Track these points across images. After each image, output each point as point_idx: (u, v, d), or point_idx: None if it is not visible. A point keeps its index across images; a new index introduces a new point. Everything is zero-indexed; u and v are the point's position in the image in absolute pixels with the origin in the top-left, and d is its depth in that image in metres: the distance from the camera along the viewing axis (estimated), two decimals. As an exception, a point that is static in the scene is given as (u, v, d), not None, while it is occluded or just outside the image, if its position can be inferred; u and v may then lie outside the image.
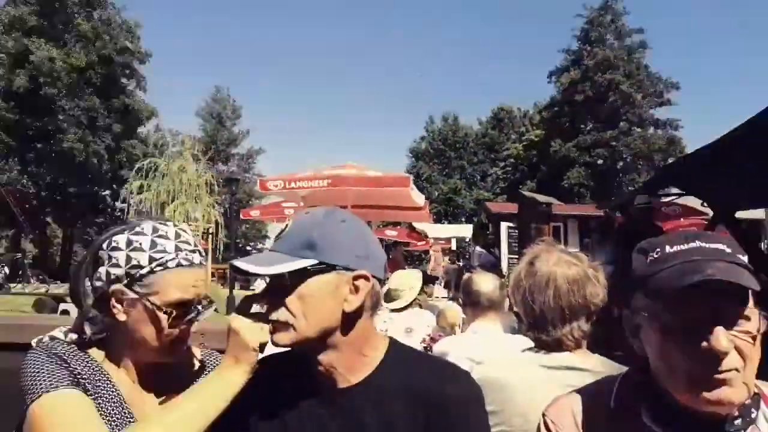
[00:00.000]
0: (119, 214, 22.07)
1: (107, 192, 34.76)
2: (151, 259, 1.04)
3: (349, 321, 1.02)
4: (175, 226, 1.11)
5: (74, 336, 1.08)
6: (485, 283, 2.65)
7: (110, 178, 32.97)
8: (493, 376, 1.47)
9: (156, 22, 69.77)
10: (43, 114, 29.26)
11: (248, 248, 43.54)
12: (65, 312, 11.92)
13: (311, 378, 1.06)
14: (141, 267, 1.04)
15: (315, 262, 0.99)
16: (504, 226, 15.90)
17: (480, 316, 2.63)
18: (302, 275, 0.98)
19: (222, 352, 1.13)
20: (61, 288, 15.40)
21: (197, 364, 1.20)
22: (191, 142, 18.34)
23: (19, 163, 28.55)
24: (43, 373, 0.99)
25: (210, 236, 16.41)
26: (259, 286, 11.68)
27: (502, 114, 46.26)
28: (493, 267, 9.16)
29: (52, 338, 1.08)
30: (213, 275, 19.07)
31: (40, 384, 0.97)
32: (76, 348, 1.07)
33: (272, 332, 1.01)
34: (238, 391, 1.01)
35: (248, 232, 47.97)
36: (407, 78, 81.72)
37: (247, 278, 20.90)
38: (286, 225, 1.06)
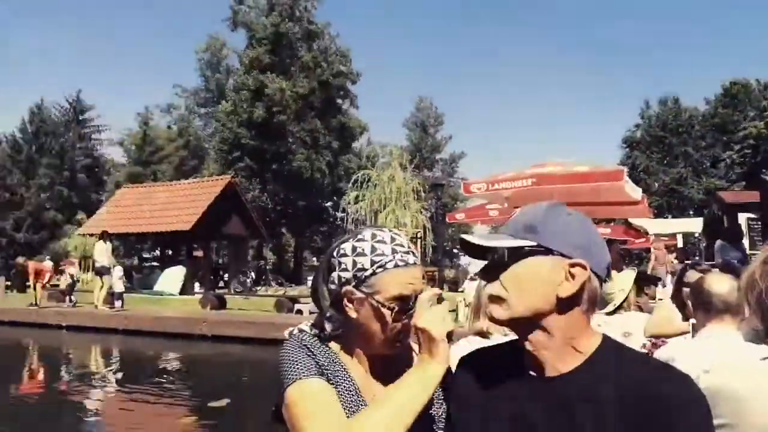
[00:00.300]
0: (339, 223, 24.22)
1: (329, 203, 38.40)
2: (372, 262, 1.16)
3: (562, 307, 1.02)
4: (390, 231, 1.22)
5: (316, 331, 1.24)
6: (719, 283, 2.35)
7: (331, 190, 36.42)
8: (725, 385, 1.31)
9: (362, 42, 75.13)
10: (276, 138, 33.59)
11: (455, 251, 44.39)
12: (299, 312, 13.51)
13: (518, 365, 1.08)
14: (365, 270, 1.16)
15: (533, 243, 1.03)
16: (743, 217, 13.98)
17: (712, 321, 2.33)
18: (520, 254, 1.03)
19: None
20: (295, 290, 17.47)
21: (416, 357, 1.27)
22: (398, 151, 19.43)
23: (260, 182, 33.10)
24: (297, 361, 1.16)
25: (418, 240, 17.17)
26: (469, 288, 11.78)
27: (735, 89, 40.06)
28: (741, 264, 7.77)
29: (301, 330, 1.25)
30: (423, 278, 19.90)
31: (295, 371, 1.14)
32: (318, 340, 1.23)
33: (489, 306, 1.07)
34: (438, 382, 1.09)
35: (454, 235, 48.92)
36: (613, 66, 75.70)
37: (455, 280, 21.42)
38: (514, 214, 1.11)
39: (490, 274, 1.08)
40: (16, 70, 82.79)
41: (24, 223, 40.70)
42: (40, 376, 9.82)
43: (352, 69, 36.33)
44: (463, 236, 1.09)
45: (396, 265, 1.15)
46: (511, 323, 1.06)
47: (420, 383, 1.09)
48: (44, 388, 8.73)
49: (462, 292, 12.17)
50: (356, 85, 37.42)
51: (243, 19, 35.27)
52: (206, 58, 43.79)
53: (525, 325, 1.05)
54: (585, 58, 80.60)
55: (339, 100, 37.38)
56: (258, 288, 19.38)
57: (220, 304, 14.98)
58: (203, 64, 43.96)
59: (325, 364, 1.17)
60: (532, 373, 1.06)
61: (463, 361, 1.18)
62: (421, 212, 16.99)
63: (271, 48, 33.98)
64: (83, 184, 44.19)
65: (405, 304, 1.15)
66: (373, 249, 1.17)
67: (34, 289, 15.93)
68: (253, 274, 21.23)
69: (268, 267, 23.99)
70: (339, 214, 32.18)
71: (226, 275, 22.11)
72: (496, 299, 1.05)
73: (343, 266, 1.18)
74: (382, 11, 78.38)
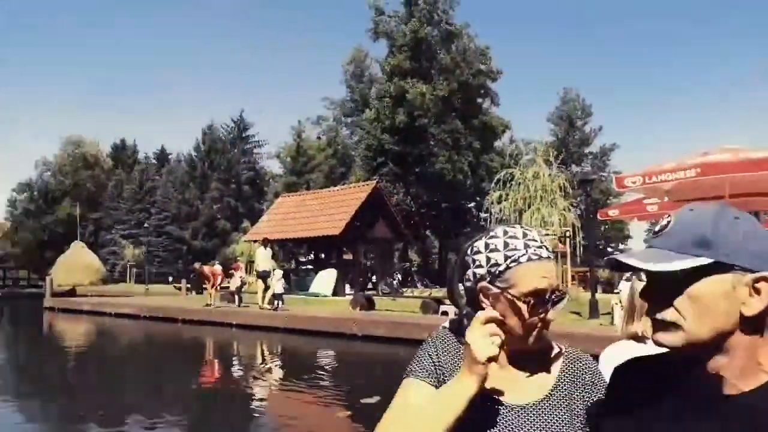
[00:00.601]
0: (483, 223, 23.90)
1: (472, 204, 38.10)
2: (506, 257, 1.16)
3: (746, 325, 0.93)
4: (522, 227, 1.21)
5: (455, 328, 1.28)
6: None
7: (474, 191, 36.12)
8: None
9: (501, 39, 73.61)
10: (418, 142, 34.13)
11: (609, 250, 41.57)
12: (444, 313, 13.57)
13: (690, 381, 0.98)
14: (498, 265, 1.17)
15: (711, 261, 0.93)
16: None
17: None
18: (694, 274, 0.93)
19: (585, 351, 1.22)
20: (440, 291, 17.58)
21: (556, 350, 1.25)
22: (543, 147, 18.68)
23: (403, 186, 33.84)
24: (417, 360, 1.23)
25: (567, 240, 16.32)
26: (624, 289, 10.95)
27: None
28: None
29: (444, 327, 1.31)
30: (573, 278, 18.88)
31: (411, 367, 1.22)
32: (453, 337, 1.25)
33: (655, 331, 0.98)
34: (468, 399, 1.08)
35: (608, 233, 45.86)
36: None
37: (609, 281, 20.03)
38: (667, 221, 1.01)
39: (654, 296, 0.98)
40: (189, 97, 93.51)
41: (199, 232, 45.83)
42: (214, 369, 10.93)
43: (491, 67, 35.78)
44: (616, 257, 1.00)
45: (529, 259, 1.15)
46: (686, 348, 0.96)
47: (452, 396, 1.10)
48: (217, 379, 9.70)
49: (617, 293, 11.34)
50: (497, 83, 36.79)
51: (384, 29, 36.37)
52: (351, 69, 45.86)
53: (702, 347, 0.95)
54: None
55: (479, 100, 36.99)
56: (404, 289, 19.78)
57: (369, 305, 15.53)
58: (348, 76, 46.10)
59: (447, 361, 1.21)
60: (703, 389, 0.96)
61: (619, 371, 1.11)
62: (570, 210, 16.13)
63: (410, 54, 34.63)
64: (247, 195, 48.64)
65: (540, 297, 1.13)
66: (506, 244, 1.17)
67: (211, 290, 17.88)
68: (399, 275, 21.72)
69: (413, 269, 24.37)
70: (482, 215, 31.85)
71: (374, 277, 22.88)
72: (669, 325, 0.95)
73: (477, 263, 1.19)
74: (519, 5, 76.21)
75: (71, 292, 28.77)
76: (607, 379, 1.14)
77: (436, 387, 1.17)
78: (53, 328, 19.02)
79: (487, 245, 1.19)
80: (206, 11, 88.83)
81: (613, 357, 2.17)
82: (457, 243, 39.96)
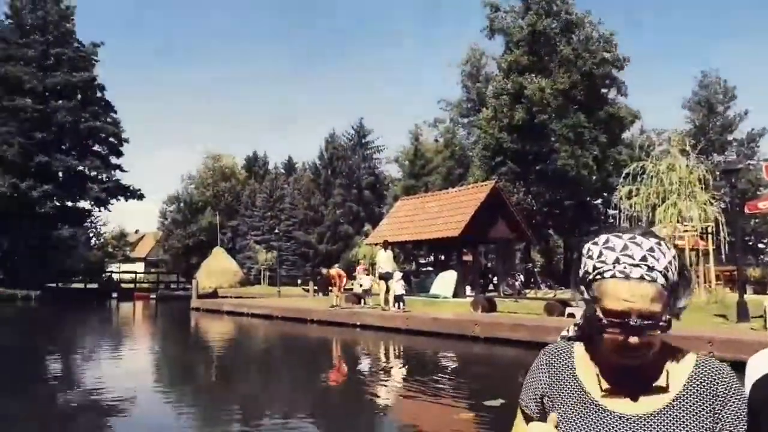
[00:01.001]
0: (612, 221, 22.54)
1: (598, 201, 36.10)
2: (594, 268, 1.12)
3: None
4: (631, 238, 1.12)
5: (573, 332, 1.26)
6: None
7: (600, 187, 34.20)
8: None
9: (627, 24, 68.94)
10: (538, 139, 33.04)
11: (761, 246, 37.23)
12: (571, 315, 12.97)
13: None
14: (588, 273, 1.13)
15: None
16: None
17: None
18: None
19: (726, 361, 1.14)
20: (566, 293, 16.86)
21: (686, 358, 1.16)
22: (678, 137, 17.21)
23: (524, 185, 32.91)
24: (526, 382, 1.25)
25: (709, 236, 14.88)
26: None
27: None
28: None
29: (562, 336, 1.29)
30: (718, 278, 17.14)
31: (523, 391, 1.25)
32: (568, 344, 1.23)
33: None
34: None
35: (758, 227, 41.15)
36: None
37: (761, 280, 17.89)
38: None
39: None
40: (312, 108, 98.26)
41: (324, 236, 47.95)
42: (341, 367, 11.36)
43: (617, 55, 33.73)
44: None
45: (613, 276, 1.08)
46: None
47: None
48: (343, 377, 10.08)
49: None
50: (623, 72, 34.59)
51: (499, 26, 35.70)
52: (467, 70, 45.54)
53: None
54: None
55: (604, 90, 35.03)
56: (527, 291, 19.22)
57: (490, 306, 15.29)
58: (464, 76, 45.81)
59: (554, 374, 1.20)
60: None
61: (759, 384, 1.06)
62: (711, 203, 14.71)
63: (528, 48, 33.66)
64: (368, 199, 50.07)
65: (620, 319, 1.05)
66: (600, 254, 1.11)
67: (336, 292, 18.66)
68: (521, 276, 21.15)
69: (536, 269, 23.60)
70: (611, 212, 30.08)
71: (495, 278, 22.49)
72: None
73: (581, 264, 1.17)
74: (649, -15, 70.93)
75: (213, 294, 31.40)
76: (747, 392, 1.06)
77: (539, 413, 1.19)
78: (199, 326, 20.90)
79: (588, 250, 1.15)
80: (325, 27, 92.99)
81: (759, 367, 1.96)
82: (582, 242, 38.00)
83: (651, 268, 1.07)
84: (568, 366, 1.19)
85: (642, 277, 1.07)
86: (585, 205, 35.17)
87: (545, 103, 31.96)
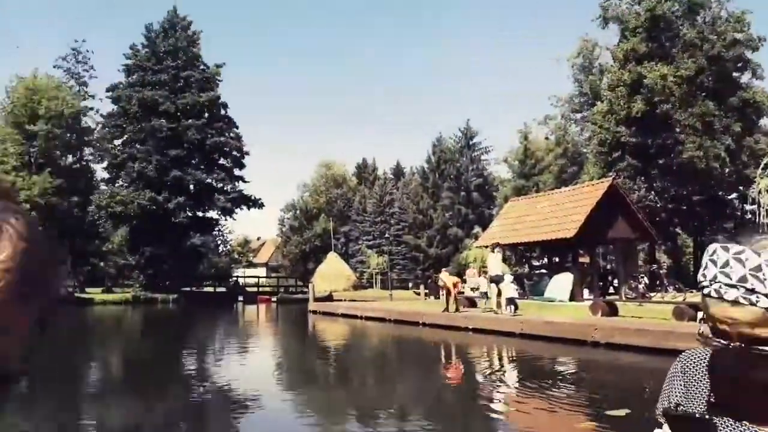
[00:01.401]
0: (750, 216, 20.47)
1: (733, 195, 32.96)
2: (698, 281, 1.06)
3: None
4: (737, 253, 1.00)
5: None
6: None
7: (735, 180, 31.20)
8: None
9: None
10: (660, 131, 30.82)
11: None
12: (703, 320, 11.93)
13: None
14: (699, 282, 1.07)
15: None
16: None
17: None
18: None
19: None
20: (697, 296, 15.52)
21: None
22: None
23: (645, 181, 30.83)
24: (666, 391, 1.18)
25: None
26: None
27: None
28: None
29: (700, 334, 1.24)
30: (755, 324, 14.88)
31: (661, 400, 1.18)
32: (705, 351, 1.15)
33: None
34: None
35: None
36: None
37: None
38: None
39: None
40: (420, 111, 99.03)
41: (434, 240, 48.03)
42: (455, 371, 11.31)
43: (751, 35, 30.65)
44: None
45: (708, 294, 1.01)
46: None
47: None
48: (458, 381, 10.03)
49: None
50: (758, 53, 31.38)
51: (613, 14, 33.85)
52: (578, 62, 43.59)
53: None
54: None
55: (736, 74, 31.96)
56: (652, 294, 17.96)
57: (612, 310, 14.49)
58: (576, 69, 43.88)
59: (689, 382, 1.15)
60: None
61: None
62: None
63: (646, 35, 31.56)
64: (477, 201, 49.46)
65: (723, 339, 0.99)
66: (706, 266, 1.03)
67: (447, 296, 18.58)
68: (646, 279, 19.79)
69: (662, 271, 21.97)
70: (748, 207, 27.33)
71: (616, 281, 21.26)
72: None
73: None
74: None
75: (329, 297, 32.60)
76: None
77: None
78: (317, 328, 21.81)
79: (705, 253, 1.08)
80: (432, 28, 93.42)
81: None
82: (715, 241, 34.83)
83: (751, 290, 0.96)
84: (705, 375, 1.13)
85: (735, 300, 0.97)
86: (717, 200, 32.24)
87: (668, 92, 29.74)
